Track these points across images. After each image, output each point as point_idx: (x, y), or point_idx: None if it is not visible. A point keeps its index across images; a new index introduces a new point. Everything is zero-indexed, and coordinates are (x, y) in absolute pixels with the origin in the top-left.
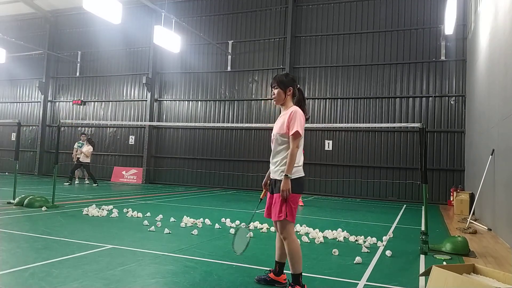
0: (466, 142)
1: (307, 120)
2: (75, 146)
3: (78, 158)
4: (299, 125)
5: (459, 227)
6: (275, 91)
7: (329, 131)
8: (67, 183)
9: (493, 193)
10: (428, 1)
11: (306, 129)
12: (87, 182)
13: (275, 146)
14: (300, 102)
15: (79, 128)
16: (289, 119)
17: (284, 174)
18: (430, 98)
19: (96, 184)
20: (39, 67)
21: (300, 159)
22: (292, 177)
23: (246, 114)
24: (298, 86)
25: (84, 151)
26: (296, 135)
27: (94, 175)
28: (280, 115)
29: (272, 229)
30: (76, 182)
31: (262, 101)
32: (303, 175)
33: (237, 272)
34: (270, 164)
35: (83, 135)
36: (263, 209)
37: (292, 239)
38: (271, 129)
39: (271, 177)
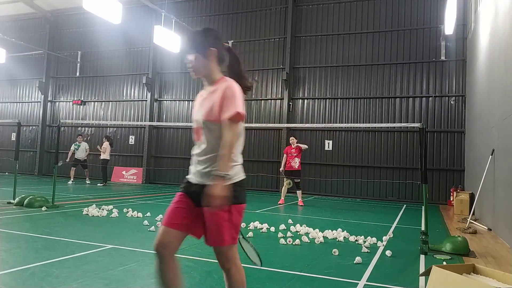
0: (466, 142)
1: (248, 89)
2: (72, 148)
3: (76, 158)
4: (239, 103)
5: (459, 227)
6: (191, 57)
7: (329, 131)
8: (101, 184)
9: (493, 193)
10: (428, 1)
11: (306, 129)
12: (88, 182)
13: (205, 139)
14: (235, 71)
15: (79, 128)
16: (221, 98)
17: (219, 174)
18: (430, 98)
19: (101, 184)
20: (39, 67)
21: (238, 153)
22: (233, 181)
23: (246, 114)
24: (228, 45)
25: (101, 148)
26: (236, 118)
27: (104, 175)
28: (202, 94)
29: (273, 228)
30: (71, 181)
31: (262, 101)
32: (245, 177)
33: None
34: (195, 165)
35: (80, 137)
36: (264, 209)
37: (239, 266)
38: (271, 129)
39: (195, 181)
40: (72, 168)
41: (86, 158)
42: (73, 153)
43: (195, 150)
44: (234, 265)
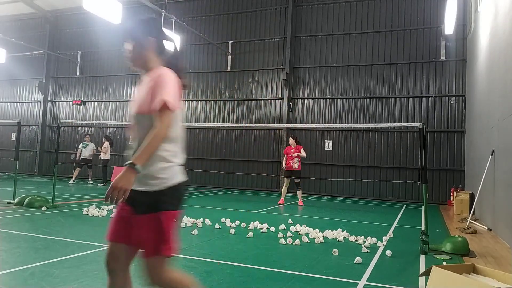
0: (466, 142)
1: (182, 88)
2: (80, 147)
3: (82, 158)
4: (170, 92)
5: (459, 227)
6: (128, 46)
7: (329, 131)
8: (101, 184)
9: (493, 193)
10: (428, 1)
11: (306, 129)
12: (90, 182)
13: (138, 134)
14: (173, 65)
15: (79, 128)
16: (152, 87)
17: (129, 162)
18: (430, 98)
19: (102, 184)
20: (39, 67)
21: (176, 152)
22: (168, 184)
23: (246, 114)
24: (171, 39)
25: (101, 148)
26: (166, 108)
27: (105, 175)
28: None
29: (273, 228)
30: (72, 181)
31: (262, 101)
32: (185, 179)
33: (237, 272)
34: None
35: (88, 136)
36: (264, 209)
37: (178, 277)
38: (271, 129)
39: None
40: (77, 168)
41: (91, 158)
42: (81, 153)
43: (130, 150)
44: (169, 279)
